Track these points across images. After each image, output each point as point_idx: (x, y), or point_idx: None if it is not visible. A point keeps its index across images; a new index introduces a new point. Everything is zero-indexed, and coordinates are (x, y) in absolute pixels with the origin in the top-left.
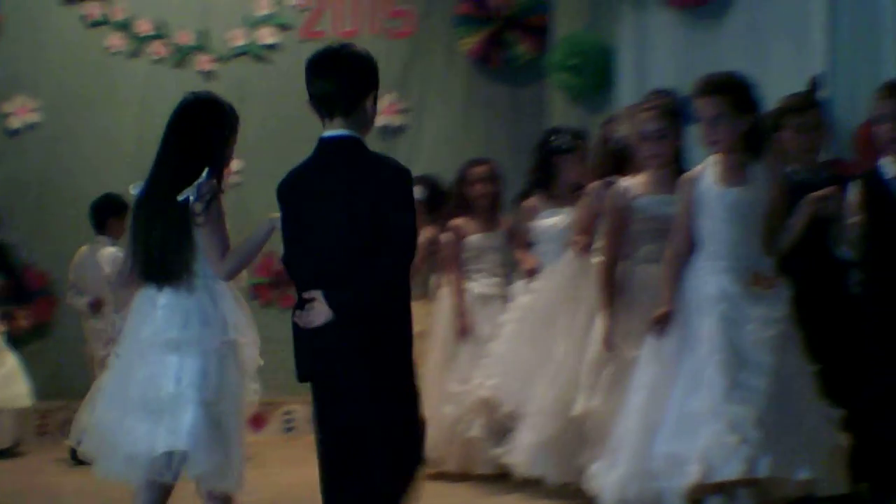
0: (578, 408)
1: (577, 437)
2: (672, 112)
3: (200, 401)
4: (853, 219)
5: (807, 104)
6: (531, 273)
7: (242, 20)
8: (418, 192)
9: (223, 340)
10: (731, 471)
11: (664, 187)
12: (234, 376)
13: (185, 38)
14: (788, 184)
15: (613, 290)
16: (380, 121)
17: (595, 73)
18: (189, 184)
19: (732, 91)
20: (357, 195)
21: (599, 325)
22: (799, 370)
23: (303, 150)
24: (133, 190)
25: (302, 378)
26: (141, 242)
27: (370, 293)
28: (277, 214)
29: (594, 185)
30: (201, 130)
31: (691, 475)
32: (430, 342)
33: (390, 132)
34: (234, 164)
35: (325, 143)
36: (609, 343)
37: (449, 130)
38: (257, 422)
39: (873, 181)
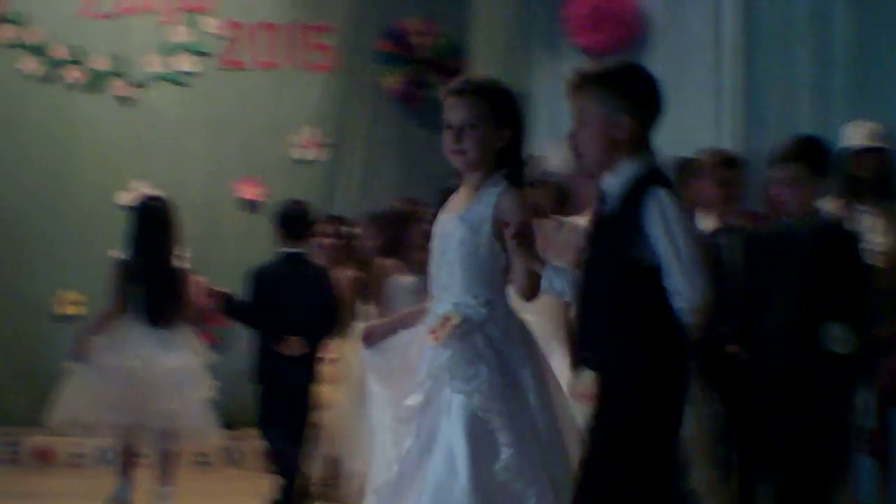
0: None
1: None
2: None
3: (206, 395)
4: None
5: (732, 160)
6: None
7: (159, 47)
8: None
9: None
10: None
11: None
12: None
13: (101, 63)
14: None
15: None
16: (296, 153)
17: None
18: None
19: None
20: (319, 287)
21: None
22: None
23: (215, 178)
24: (117, 255)
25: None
26: (140, 293)
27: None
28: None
29: (547, 225)
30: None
31: None
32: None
33: (306, 166)
34: (151, 191)
35: (292, 255)
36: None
37: (365, 167)
38: None
39: None
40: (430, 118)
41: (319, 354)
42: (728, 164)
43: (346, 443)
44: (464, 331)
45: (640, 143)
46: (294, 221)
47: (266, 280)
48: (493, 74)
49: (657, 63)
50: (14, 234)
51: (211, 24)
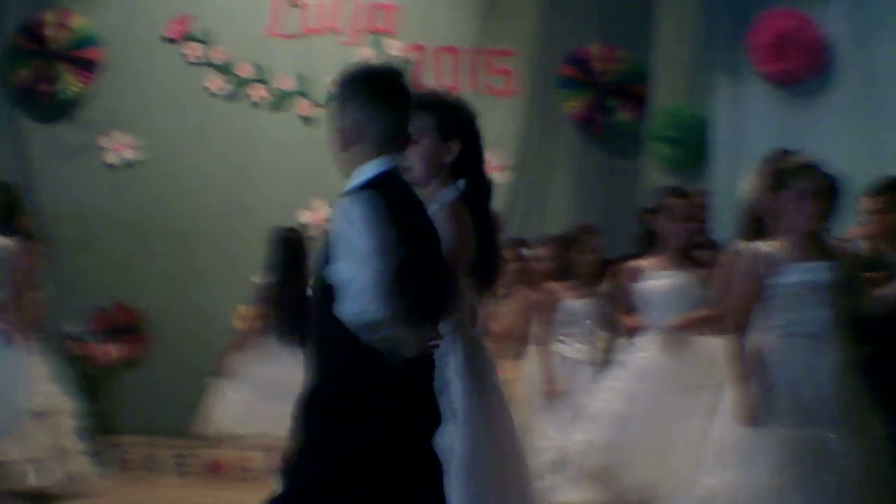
0: (701, 488)
1: None
2: None
3: None
4: None
5: None
6: (633, 332)
7: (343, 68)
8: None
9: None
10: None
11: (811, 252)
12: None
13: (285, 82)
14: None
15: (747, 361)
16: None
17: (691, 146)
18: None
19: None
20: None
21: (732, 400)
22: None
23: None
24: (258, 280)
25: None
26: (276, 315)
27: None
28: None
29: (732, 251)
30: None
31: None
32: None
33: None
34: (322, 212)
35: None
36: (754, 418)
37: (544, 191)
38: None
39: None
40: (611, 144)
41: None
42: None
43: None
44: None
45: (380, 147)
46: None
47: None
48: (676, 99)
49: (843, 92)
50: (197, 250)
51: (394, 47)
